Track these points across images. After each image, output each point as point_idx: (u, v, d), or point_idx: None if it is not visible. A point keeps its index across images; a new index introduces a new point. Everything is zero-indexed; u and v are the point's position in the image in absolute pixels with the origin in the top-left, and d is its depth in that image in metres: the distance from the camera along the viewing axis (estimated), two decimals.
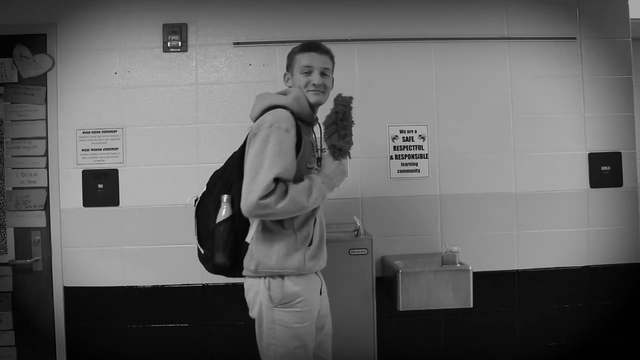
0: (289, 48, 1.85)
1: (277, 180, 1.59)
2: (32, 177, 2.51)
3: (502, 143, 2.59)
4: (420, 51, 2.59)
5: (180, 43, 2.55)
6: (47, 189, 2.51)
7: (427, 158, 2.58)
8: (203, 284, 2.50)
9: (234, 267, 1.71)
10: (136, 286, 2.49)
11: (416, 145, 2.58)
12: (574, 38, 2.62)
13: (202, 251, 1.77)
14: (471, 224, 2.56)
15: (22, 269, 2.49)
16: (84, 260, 2.49)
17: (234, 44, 2.56)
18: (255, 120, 1.73)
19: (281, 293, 1.65)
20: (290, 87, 1.81)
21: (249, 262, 1.69)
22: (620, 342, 2.60)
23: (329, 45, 1.83)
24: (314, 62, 1.75)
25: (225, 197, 1.68)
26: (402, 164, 2.58)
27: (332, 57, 1.82)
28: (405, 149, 2.58)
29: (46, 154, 2.51)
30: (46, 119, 2.51)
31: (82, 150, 2.51)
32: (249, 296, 1.73)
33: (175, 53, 2.56)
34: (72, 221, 2.50)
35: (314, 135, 1.87)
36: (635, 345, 2.59)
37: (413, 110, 2.59)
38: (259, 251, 1.67)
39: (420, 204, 2.56)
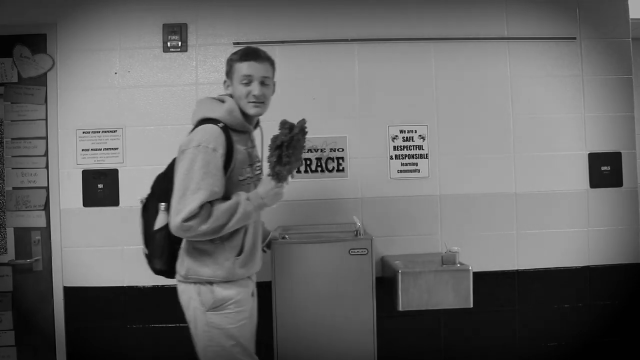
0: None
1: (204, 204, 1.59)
2: (32, 177, 2.51)
3: (502, 143, 2.59)
4: (420, 51, 2.59)
5: (180, 43, 2.55)
6: (47, 189, 2.51)
7: (427, 158, 2.58)
8: None
9: (172, 271, 1.78)
10: (136, 286, 2.49)
11: (416, 145, 2.58)
12: (574, 38, 2.62)
13: (147, 252, 1.79)
14: (471, 224, 2.56)
15: (22, 269, 2.48)
16: (84, 260, 2.49)
17: (234, 44, 2.56)
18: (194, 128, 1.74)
19: (212, 298, 1.68)
20: (230, 94, 1.78)
21: (179, 268, 1.74)
22: (620, 342, 2.59)
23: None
24: (254, 72, 1.71)
25: (162, 206, 1.71)
26: (402, 164, 2.58)
27: (272, 64, 1.79)
28: (405, 149, 2.58)
29: (46, 154, 2.51)
30: (46, 119, 2.51)
31: (82, 150, 2.51)
32: (182, 299, 1.76)
33: (175, 53, 2.56)
34: (72, 221, 2.50)
35: (251, 143, 1.84)
36: (635, 345, 2.59)
37: (413, 110, 2.59)
38: (189, 260, 1.71)
39: (420, 204, 2.56)
